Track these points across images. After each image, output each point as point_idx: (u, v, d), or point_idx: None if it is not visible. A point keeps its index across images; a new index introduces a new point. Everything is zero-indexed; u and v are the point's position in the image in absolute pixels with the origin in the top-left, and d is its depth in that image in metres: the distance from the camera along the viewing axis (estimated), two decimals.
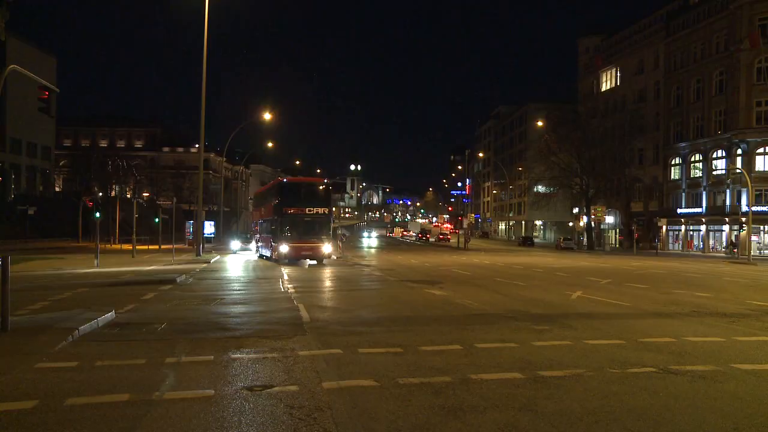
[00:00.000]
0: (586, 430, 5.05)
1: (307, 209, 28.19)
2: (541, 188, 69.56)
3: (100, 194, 61.14)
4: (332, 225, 30.93)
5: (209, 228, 54.92)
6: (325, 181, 30.44)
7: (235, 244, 45.11)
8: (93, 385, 6.40)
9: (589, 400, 5.88)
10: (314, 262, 28.76)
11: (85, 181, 69.95)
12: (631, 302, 14.21)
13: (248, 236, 50.64)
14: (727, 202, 50.21)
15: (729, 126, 50.67)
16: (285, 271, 23.83)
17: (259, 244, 36.42)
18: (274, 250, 29.13)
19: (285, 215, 28.02)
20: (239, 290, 16.96)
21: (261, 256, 34.58)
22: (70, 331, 8.96)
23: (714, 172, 52.52)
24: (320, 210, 28.57)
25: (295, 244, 27.66)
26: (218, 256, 34.50)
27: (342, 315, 11.87)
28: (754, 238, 44.67)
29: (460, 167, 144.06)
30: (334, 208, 31.67)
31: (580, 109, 66.13)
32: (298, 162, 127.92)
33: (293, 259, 27.89)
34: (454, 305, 13.41)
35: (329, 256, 29.30)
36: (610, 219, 67.16)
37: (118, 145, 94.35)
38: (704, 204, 53.43)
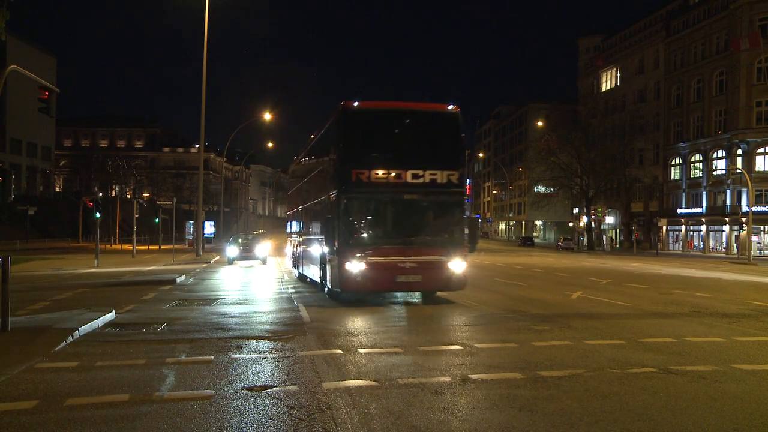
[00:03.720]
0: (586, 430, 5.05)
1: (408, 173, 13.14)
2: (541, 188, 69.56)
3: (100, 194, 61.12)
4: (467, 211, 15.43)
5: (209, 228, 55.00)
6: (450, 107, 13.94)
7: (231, 250, 29.91)
8: (93, 385, 6.40)
9: (589, 400, 5.88)
10: (415, 297, 14.73)
11: (85, 181, 69.98)
12: (631, 302, 14.21)
13: (250, 237, 35.10)
14: (727, 202, 50.20)
15: (729, 126, 50.68)
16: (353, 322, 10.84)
17: (299, 252, 20.53)
18: (331, 266, 13.65)
19: (356, 188, 13.01)
20: (240, 290, 16.96)
21: (302, 277, 19.89)
22: (70, 332, 8.96)
23: (714, 172, 52.51)
24: (440, 175, 13.29)
25: (379, 258, 12.78)
26: (217, 257, 34.39)
27: (341, 315, 11.85)
28: (754, 238, 44.67)
29: None
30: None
31: (580, 109, 66.12)
32: None
33: (377, 291, 13.97)
34: (454, 305, 13.40)
35: (461, 285, 13.60)
36: (610, 219, 67.18)
37: (118, 146, 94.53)
38: (704, 204, 53.43)
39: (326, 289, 14.80)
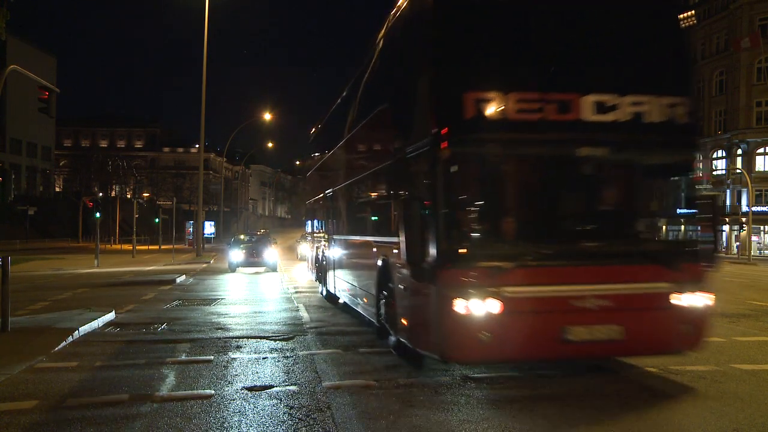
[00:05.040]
0: (586, 430, 5.05)
1: (587, 101, 5.75)
2: None
3: (100, 194, 61.22)
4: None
5: (209, 228, 54.99)
6: None
7: (235, 254, 24.68)
8: (93, 385, 6.40)
9: (590, 400, 5.88)
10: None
11: (85, 181, 70.05)
12: None
13: (255, 239, 29.20)
14: (727, 202, 50.23)
15: (729, 126, 50.69)
16: None
17: (328, 260, 13.29)
18: (413, 302, 6.45)
19: (471, 132, 5.60)
20: (240, 290, 16.96)
21: (331, 297, 13.27)
22: (70, 331, 8.96)
23: (714, 172, 52.55)
24: (652, 106, 5.87)
25: (530, 289, 5.71)
26: (214, 256, 34.34)
27: (342, 315, 11.84)
28: (754, 238, 44.66)
29: None
30: None
31: None
32: (298, 162, 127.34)
33: (525, 360, 6.57)
34: None
35: (697, 342, 6.35)
36: None
37: (118, 145, 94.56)
38: None
39: (392, 339, 7.68)
